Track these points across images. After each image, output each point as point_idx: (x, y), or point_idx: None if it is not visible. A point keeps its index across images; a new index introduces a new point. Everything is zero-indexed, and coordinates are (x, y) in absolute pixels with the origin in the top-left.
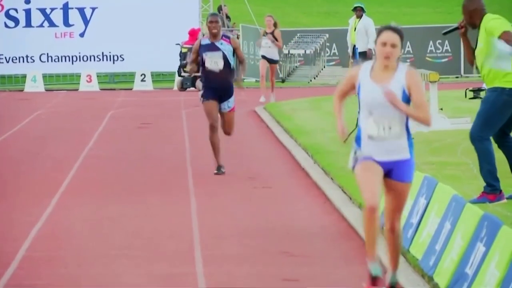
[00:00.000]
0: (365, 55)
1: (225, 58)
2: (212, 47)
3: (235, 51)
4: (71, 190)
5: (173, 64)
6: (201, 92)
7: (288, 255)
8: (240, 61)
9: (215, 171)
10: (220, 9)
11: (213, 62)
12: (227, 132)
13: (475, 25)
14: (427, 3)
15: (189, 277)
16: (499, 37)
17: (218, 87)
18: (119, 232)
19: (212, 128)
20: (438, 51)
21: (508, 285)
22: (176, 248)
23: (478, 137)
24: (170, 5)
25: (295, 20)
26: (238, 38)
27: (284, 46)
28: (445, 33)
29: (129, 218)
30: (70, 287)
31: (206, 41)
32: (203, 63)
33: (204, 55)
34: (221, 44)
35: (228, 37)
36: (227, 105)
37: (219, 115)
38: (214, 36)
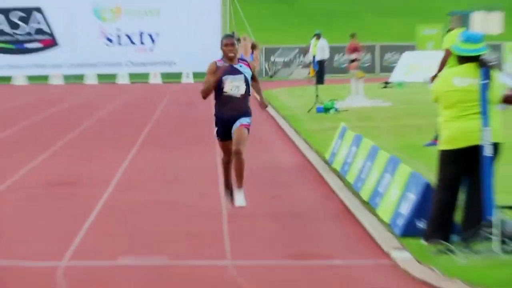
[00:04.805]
0: (320, 63)
1: (246, 82)
2: (233, 70)
3: (252, 75)
4: (146, 143)
5: (204, 66)
6: (215, 129)
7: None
8: (256, 88)
9: (226, 196)
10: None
11: (235, 86)
12: (237, 156)
13: None
14: None
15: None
16: None
17: (234, 116)
18: (174, 171)
19: (226, 155)
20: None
21: (403, 201)
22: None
23: None
24: (199, 27)
25: (279, 39)
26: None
27: (272, 56)
28: None
29: (181, 160)
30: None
31: (222, 64)
32: (219, 88)
33: (224, 78)
34: (241, 66)
35: (246, 60)
36: (243, 120)
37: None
38: (230, 59)
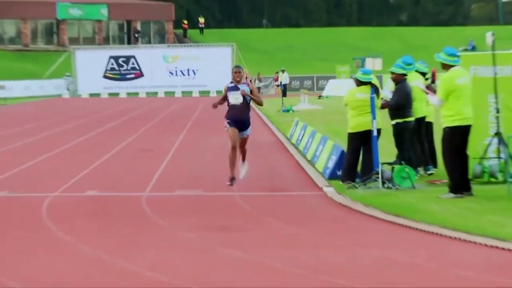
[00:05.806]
0: (284, 86)
1: (243, 96)
2: (235, 88)
3: (251, 92)
4: (190, 129)
5: (222, 87)
6: (225, 123)
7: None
8: (255, 100)
9: (228, 182)
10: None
11: (235, 98)
12: (242, 149)
13: None
14: None
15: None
16: None
17: (238, 118)
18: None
19: (233, 148)
20: (309, 82)
21: (330, 160)
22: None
23: None
24: (218, 65)
25: (262, 72)
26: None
27: (257, 81)
28: None
29: (209, 138)
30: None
31: (231, 85)
32: (228, 100)
33: (228, 94)
34: (241, 86)
35: (247, 83)
36: (245, 133)
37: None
38: (237, 81)
